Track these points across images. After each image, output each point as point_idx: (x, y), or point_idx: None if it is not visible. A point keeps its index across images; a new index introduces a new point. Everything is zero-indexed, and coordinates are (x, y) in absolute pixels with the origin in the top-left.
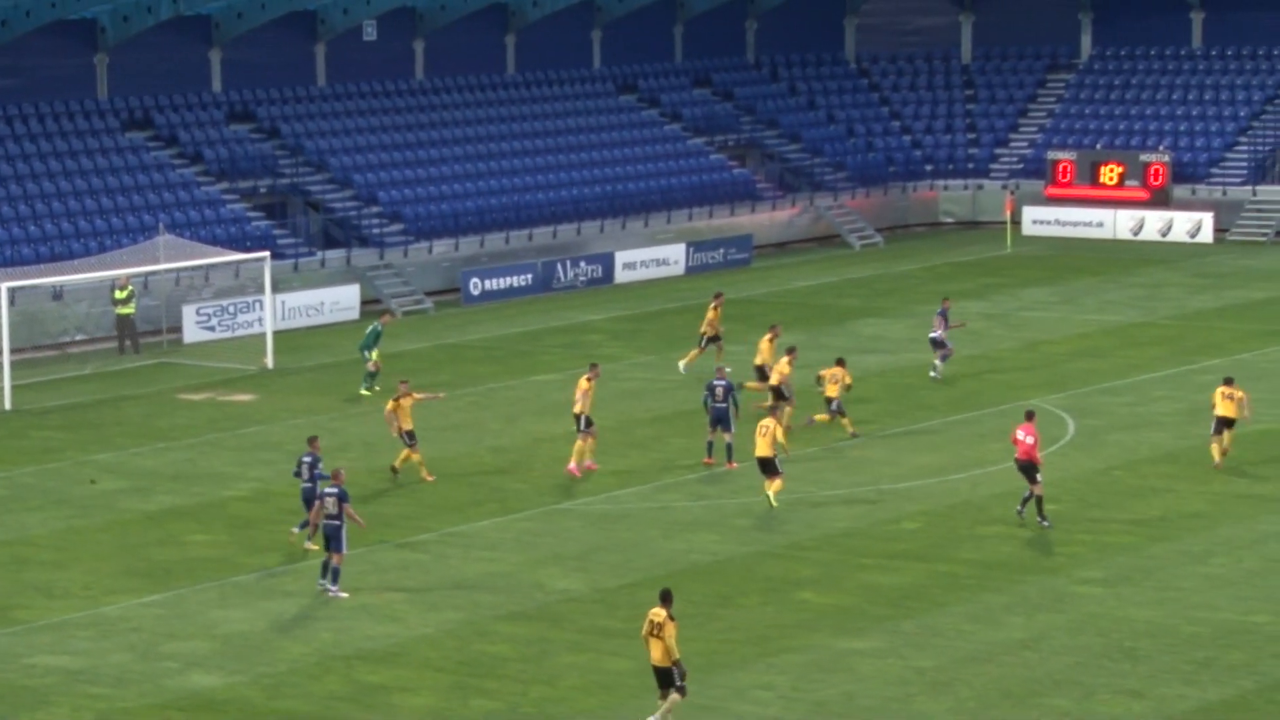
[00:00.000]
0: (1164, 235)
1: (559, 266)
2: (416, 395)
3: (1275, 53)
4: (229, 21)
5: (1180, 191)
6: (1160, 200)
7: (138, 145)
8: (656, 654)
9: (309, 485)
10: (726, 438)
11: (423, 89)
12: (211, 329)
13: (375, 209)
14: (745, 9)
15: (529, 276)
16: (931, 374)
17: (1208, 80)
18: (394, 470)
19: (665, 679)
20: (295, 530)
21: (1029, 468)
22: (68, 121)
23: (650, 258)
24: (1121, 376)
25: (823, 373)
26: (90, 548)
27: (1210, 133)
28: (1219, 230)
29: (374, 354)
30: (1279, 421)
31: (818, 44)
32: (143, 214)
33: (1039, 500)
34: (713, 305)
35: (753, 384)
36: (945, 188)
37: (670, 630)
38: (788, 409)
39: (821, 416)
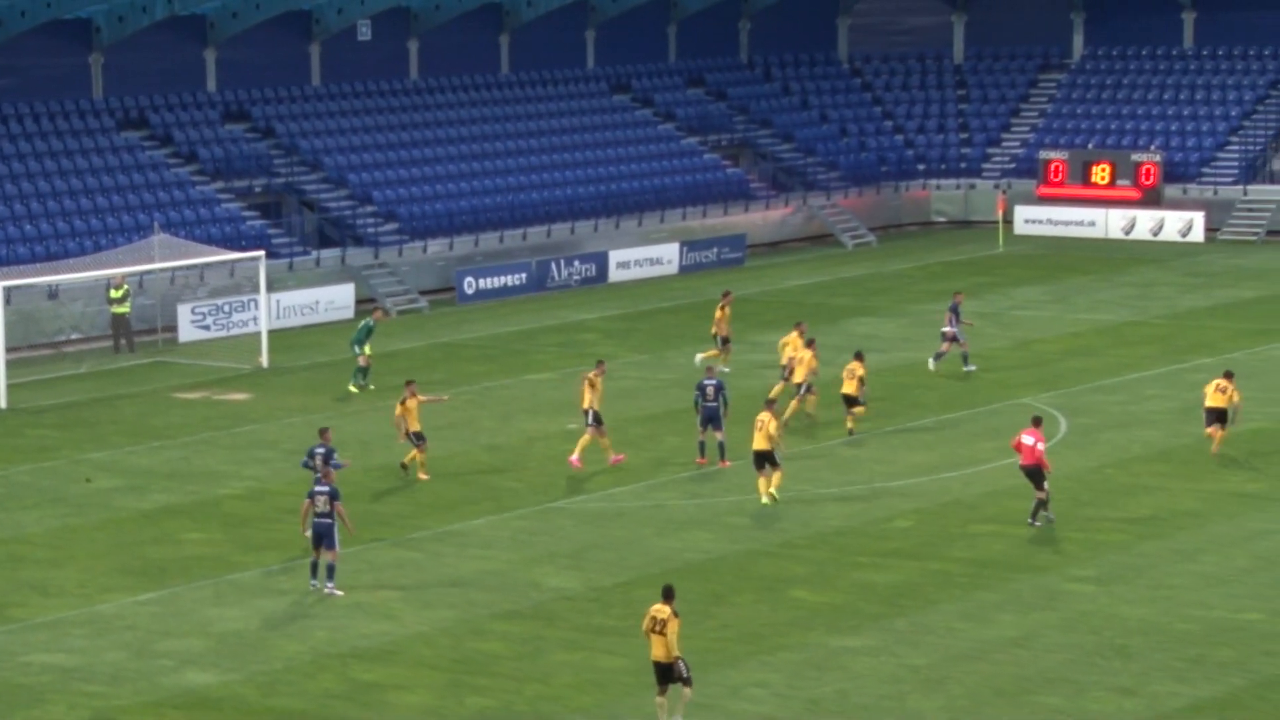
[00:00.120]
0: (1155, 235)
1: (553, 266)
2: (421, 397)
3: (1266, 52)
4: (224, 21)
5: (1171, 191)
6: (1152, 200)
7: (133, 145)
8: (658, 650)
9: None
10: (718, 436)
11: (417, 89)
12: (206, 328)
13: (370, 208)
14: (738, 9)
15: (523, 276)
16: (965, 368)
17: (1199, 80)
18: (403, 467)
19: (665, 675)
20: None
21: (1035, 473)
22: (63, 121)
23: (644, 257)
24: (1113, 375)
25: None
26: (85, 546)
27: (1201, 132)
28: (1210, 229)
29: (366, 349)
30: (1270, 420)
31: (811, 44)
32: (138, 213)
33: (1040, 503)
34: (721, 304)
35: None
36: (938, 187)
37: (674, 626)
38: (811, 398)
39: (859, 409)
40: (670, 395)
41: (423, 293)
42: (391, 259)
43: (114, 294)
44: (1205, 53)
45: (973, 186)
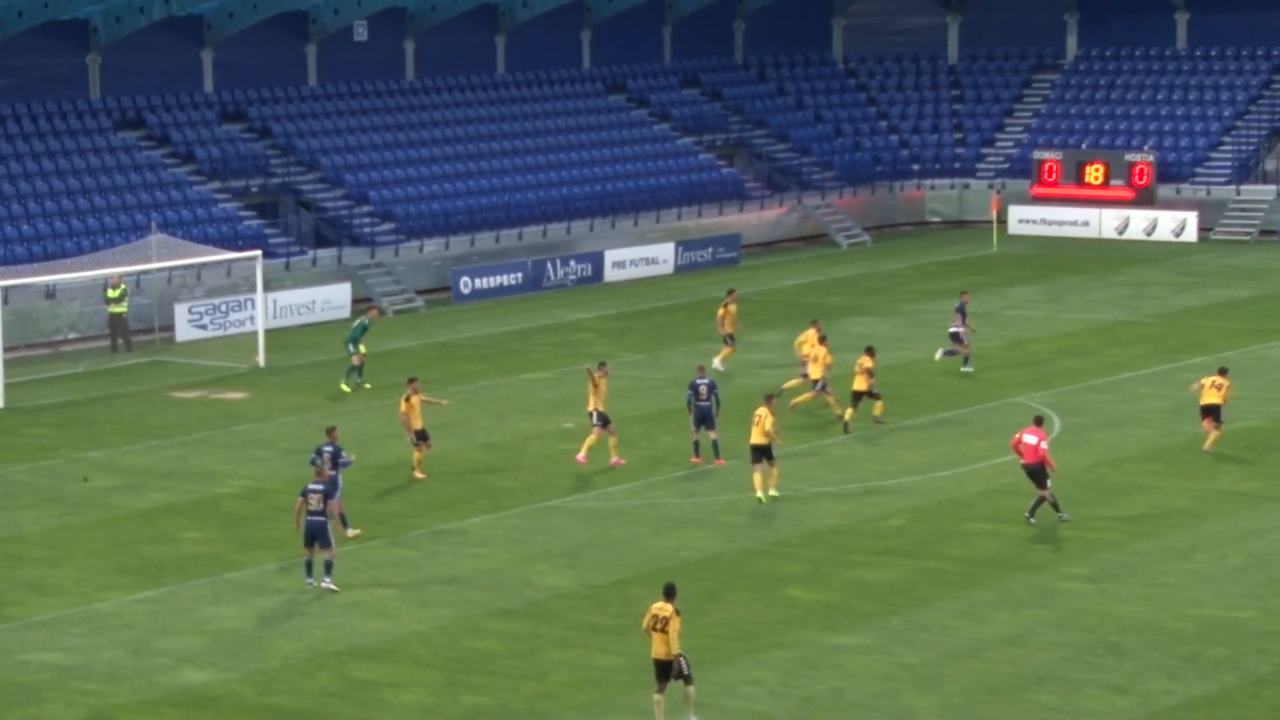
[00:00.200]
0: (1149, 234)
1: (549, 265)
2: (422, 396)
3: (1259, 53)
4: (221, 22)
5: (1165, 191)
6: (1145, 200)
7: (130, 145)
8: (659, 648)
9: (331, 474)
10: (712, 435)
11: (413, 89)
12: (203, 327)
13: (366, 208)
14: (734, 10)
15: (519, 275)
16: (939, 354)
17: (1192, 80)
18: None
19: (665, 672)
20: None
21: (1039, 472)
22: (60, 121)
23: (639, 256)
24: (1107, 374)
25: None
26: (83, 545)
27: (1194, 132)
28: (1203, 229)
29: (361, 348)
30: (1264, 418)
31: (805, 44)
32: (135, 213)
33: (1041, 501)
34: (725, 303)
35: (800, 390)
36: (932, 187)
37: (676, 625)
38: (830, 397)
39: (878, 408)
40: (666, 395)
41: (419, 292)
42: (388, 259)
43: (111, 293)
44: (1198, 53)
45: (967, 186)
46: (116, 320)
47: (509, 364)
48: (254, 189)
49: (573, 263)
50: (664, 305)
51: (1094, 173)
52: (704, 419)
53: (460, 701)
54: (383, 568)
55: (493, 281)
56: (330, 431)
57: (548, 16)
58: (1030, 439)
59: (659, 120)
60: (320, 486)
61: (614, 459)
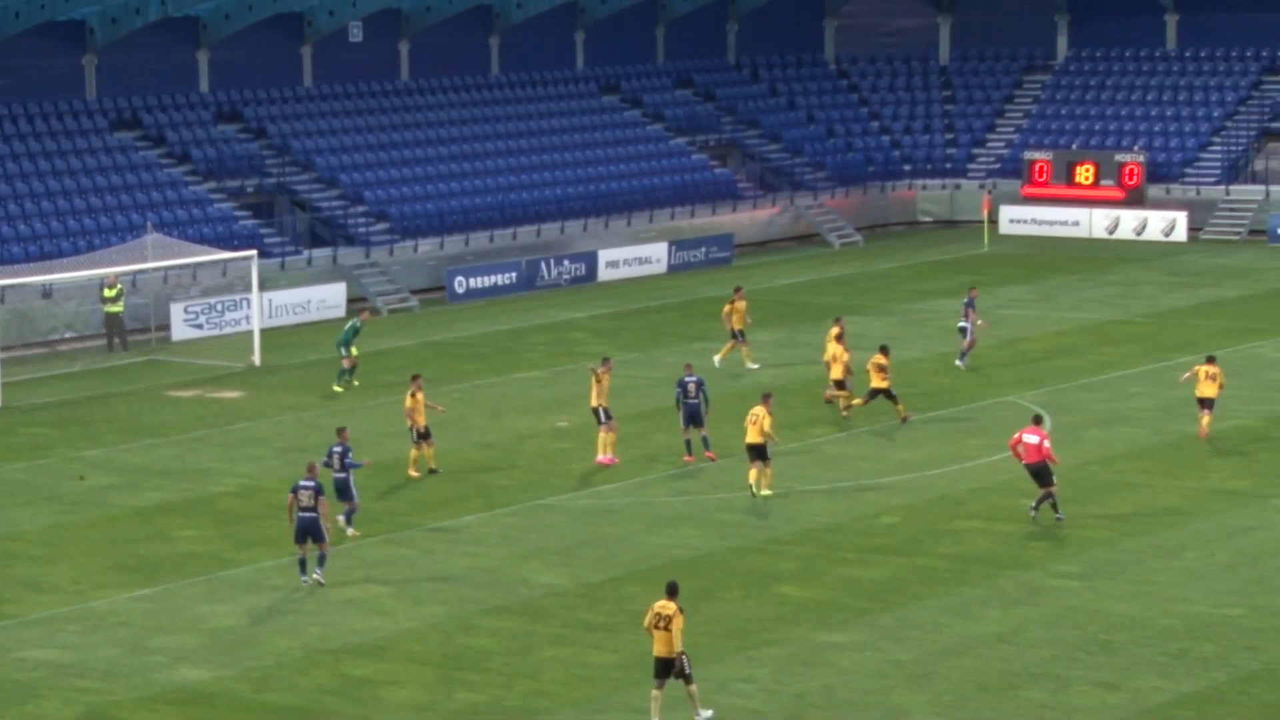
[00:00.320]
0: (1139, 234)
1: (543, 265)
2: (422, 396)
3: (1248, 54)
4: (216, 23)
5: (1155, 191)
6: (1135, 200)
7: (126, 145)
8: (661, 646)
9: (341, 475)
10: (702, 432)
11: (408, 89)
12: (199, 327)
13: (361, 208)
14: (726, 11)
15: (513, 275)
16: (957, 363)
17: (1182, 81)
18: (432, 471)
19: (665, 670)
20: (339, 520)
21: (1042, 470)
22: (56, 122)
23: (633, 256)
24: (1097, 373)
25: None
26: (79, 543)
27: (1184, 133)
28: (1193, 229)
29: (352, 350)
30: (1253, 416)
31: (798, 45)
32: (131, 213)
33: (1047, 496)
34: (732, 300)
35: (839, 393)
36: (923, 187)
37: (679, 623)
38: (848, 395)
39: (900, 409)
40: (659, 393)
41: (413, 292)
42: (382, 258)
43: (107, 293)
44: (1188, 54)
45: (958, 186)
46: (112, 319)
47: (503, 363)
48: (249, 189)
49: (566, 262)
50: (657, 305)
51: (1084, 173)
52: (693, 417)
53: (455, 699)
54: (378, 565)
55: (487, 281)
56: (340, 432)
57: (541, 18)
58: (1031, 438)
59: (652, 121)
60: (311, 483)
61: (608, 456)
